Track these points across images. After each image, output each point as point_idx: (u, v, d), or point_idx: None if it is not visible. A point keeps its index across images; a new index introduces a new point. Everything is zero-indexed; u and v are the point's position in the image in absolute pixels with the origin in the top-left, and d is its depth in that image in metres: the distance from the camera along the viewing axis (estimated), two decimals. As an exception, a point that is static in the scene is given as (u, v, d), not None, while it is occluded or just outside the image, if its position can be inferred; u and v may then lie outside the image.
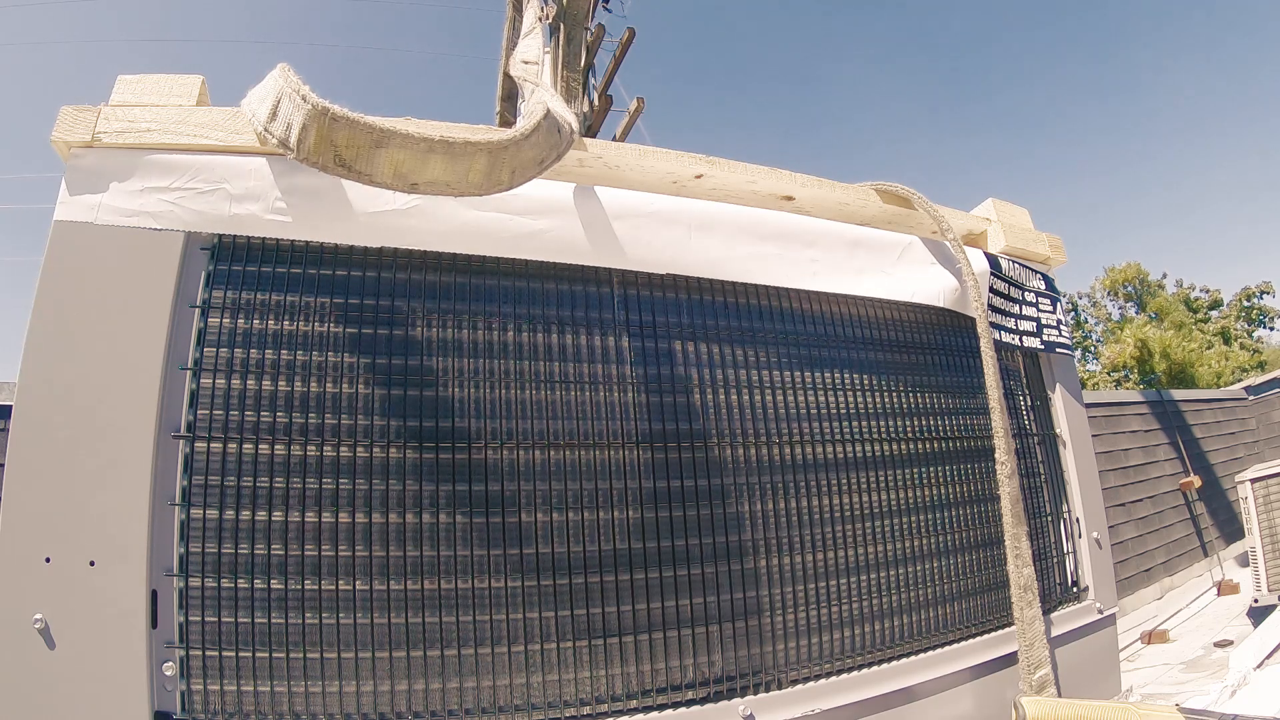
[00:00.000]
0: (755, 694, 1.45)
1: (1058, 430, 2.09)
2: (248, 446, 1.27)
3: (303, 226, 1.36)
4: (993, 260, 1.98)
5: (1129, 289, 21.48)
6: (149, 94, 1.38)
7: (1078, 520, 2.02)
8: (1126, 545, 5.94)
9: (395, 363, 1.38)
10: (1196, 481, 6.77)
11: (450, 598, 1.30)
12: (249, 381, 1.30)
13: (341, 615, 1.25)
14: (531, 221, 1.49)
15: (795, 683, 1.49)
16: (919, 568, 1.69)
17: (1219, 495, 7.20)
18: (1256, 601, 5.07)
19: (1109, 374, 18.56)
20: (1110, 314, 21.74)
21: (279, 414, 1.30)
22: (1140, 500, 6.31)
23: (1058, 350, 2.12)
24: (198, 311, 1.30)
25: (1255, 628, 4.05)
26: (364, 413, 1.34)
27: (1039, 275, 2.15)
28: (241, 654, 1.20)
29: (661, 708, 1.38)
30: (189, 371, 1.27)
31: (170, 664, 1.16)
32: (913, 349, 1.88)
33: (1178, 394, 7.61)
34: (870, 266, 1.81)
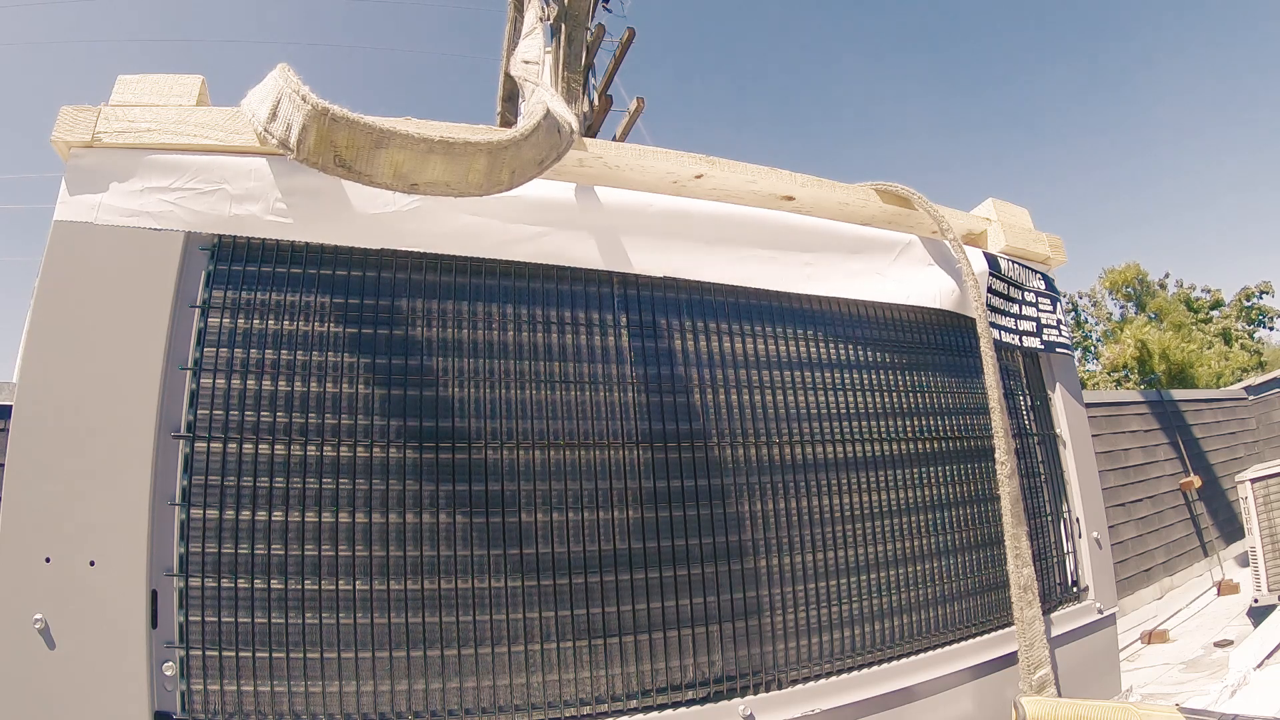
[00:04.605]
0: (755, 694, 1.45)
1: (1058, 430, 2.09)
2: (248, 446, 1.27)
3: (303, 227, 1.36)
4: (992, 260, 1.98)
5: (1128, 290, 21.46)
6: (149, 94, 1.38)
7: (1078, 520, 2.02)
8: (1126, 545, 5.94)
9: (395, 363, 1.38)
10: (1196, 481, 6.77)
11: (450, 598, 1.30)
12: (249, 381, 1.30)
13: (341, 615, 1.25)
14: (531, 223, 1.49)
15: (795, 683, 1.49)
16: (919, 568, 1.69)
17: (1219, 495, 7.19)
18: (1256, 601, 5.07)
19: (1109, 374, 18.56)
20: (1110, 314, 21.73)
21: (279, 414, 1.30)
22: (1140, 500, 6.31)
23: (1058, 350, 2.12)
24: (198, 311, 1.30)
25: (1255, 628, 4.05)
26: (364, 413, 1.34)
27: (1039, 275, 2.15)
28: (241, 654, 1.20)
29: (661, 708, 1.38)
30: (189, 371, 1.27)
31: (170, 664, 1.16)
32: (913, 349, 1.88)
33: (1178, 394, 7.61)
34: (867, 269, 1.81)
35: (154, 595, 1.17)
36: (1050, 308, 2.15)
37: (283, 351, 1.33)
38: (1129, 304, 21.58)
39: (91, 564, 1.14)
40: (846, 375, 1.75)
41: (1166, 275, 22.12)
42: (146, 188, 1.31)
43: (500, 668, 1.30)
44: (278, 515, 1.26)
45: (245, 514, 1.24)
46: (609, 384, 1.51)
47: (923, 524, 1.73)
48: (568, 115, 1.45)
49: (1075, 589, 1.98)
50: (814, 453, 1.64)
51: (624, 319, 1.56)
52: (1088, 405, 2.30)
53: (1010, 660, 1.69)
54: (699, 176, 1.72)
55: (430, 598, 1.29)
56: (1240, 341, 20.61)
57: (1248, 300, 21.52)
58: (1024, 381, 2.08)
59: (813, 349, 1.73)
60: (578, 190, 1.55)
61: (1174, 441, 6.94)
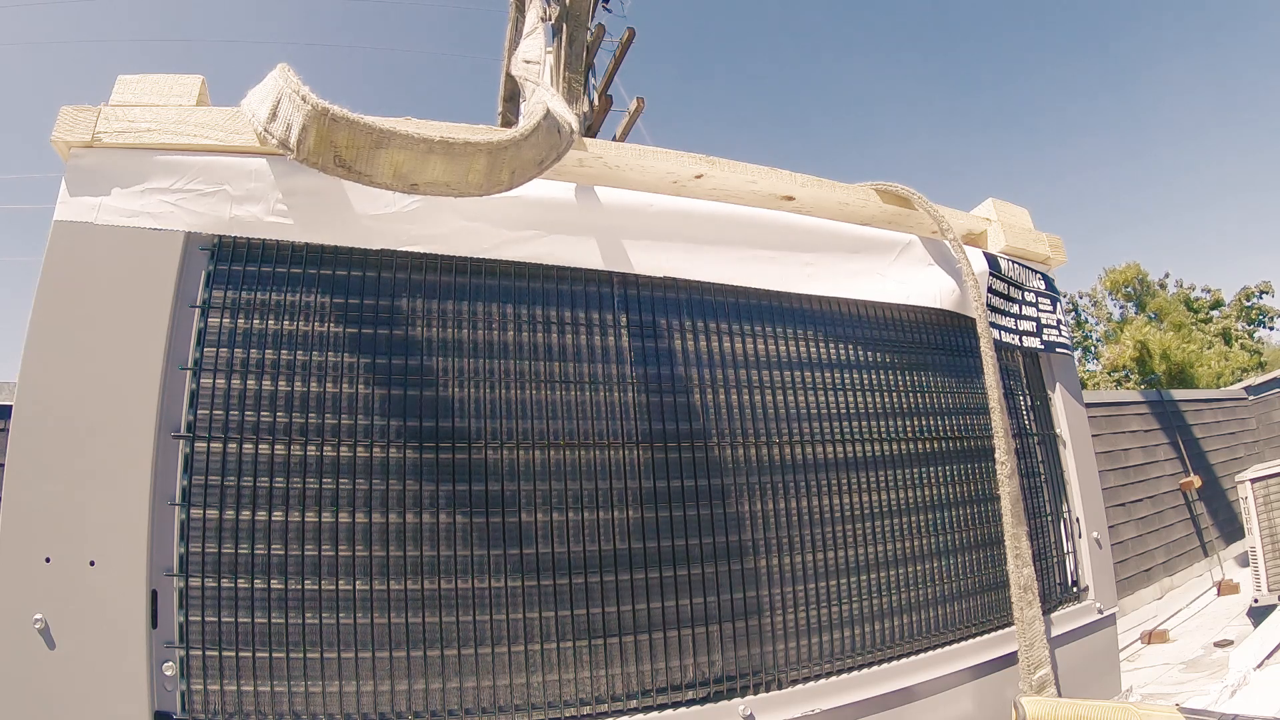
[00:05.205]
0: (755, 694, 1.45)
1: (1058, 430, 2.09)
2: (248, 446, 1.27)
3: (303, 228, 1.36)
4: (992, 260, 1.98)
5: (1128, 290, 21.47)
6: (149, 94, 1.38)
7: (1078, 520, 2.02)
8: (1126, 545, 5.94)
9: (395, 363, 1.38)
10: (1196, 481, 6.77)
11: (450, 598, 1.30)
12: (249, 381, 1.30)
13: (341, 615, 1.25)
14: (531, 224, 1.49)
15: (795, 683, 1.49)
16: (919, 568, 1.69)
17: (1219, 495, 7.19)
18: (1256, 601, 5.07)
19: (1109, 374, 18.56)
20: (1111, 314, 21.73)
21: (279, 414, 1.30)
22: (1140, 500, 6.31)
23: (1058, 350, 2.12)
24: (198, 311, 1.30)
25: (1255, 628, 4.05)
26: (364, 413, 1.34)
27: (1039, 275, 2.16)
28: (241, 654, 1.20)
29: (661, 708, 1.38)
30: (189, 371, 1.27)
31: (170, 664, 1.17)
32: (913, 349, 1.88)
33: (1178, 394, 7.61)
34: (867, 269, 1.81)
35: (154, 595, 1.17)
36: (1050, 308, 2.15)
37: (283, 351, 1.33)
38: (1129, 304, 21.58)
39: (91, 564, 1.14)
40: (846, 375, 1.75)
41: (1166, 275, 22.15)
42: (147, 188, 1.31)
43: (500, 668, 1.30)
44: (278, 515, 1.26)
45: (245, 514, 1.24)
46: (609, 384, 1.51)
47: (923, 524, 1.73)
48: (568, 115, 1.45)
49: (1075, 589, 1.98)
50: (814, 453, 1.64)
51: (624, 319, 1.56)
52: (1088, 405, 2.30)
53: (1010, 660, 1.69)
54: (699, 176, 1.72)
55: (430, 598, 1.29)
56: (1240, 341, 20.61)
57: (1248, 300, 21.53)
58: (1024, 381, 2.08)
59: (813, 349, 1.73)
60: (578, 190, 1.55)
61: (1174, 441, 6.94)
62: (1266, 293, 21.35)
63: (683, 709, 1.39)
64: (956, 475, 1.82)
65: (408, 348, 1.40)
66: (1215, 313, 21.69)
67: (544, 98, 1.47)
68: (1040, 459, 2.03)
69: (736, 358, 1.63)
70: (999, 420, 1.75)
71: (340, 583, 1.26)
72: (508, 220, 1.47)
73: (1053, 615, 1.84)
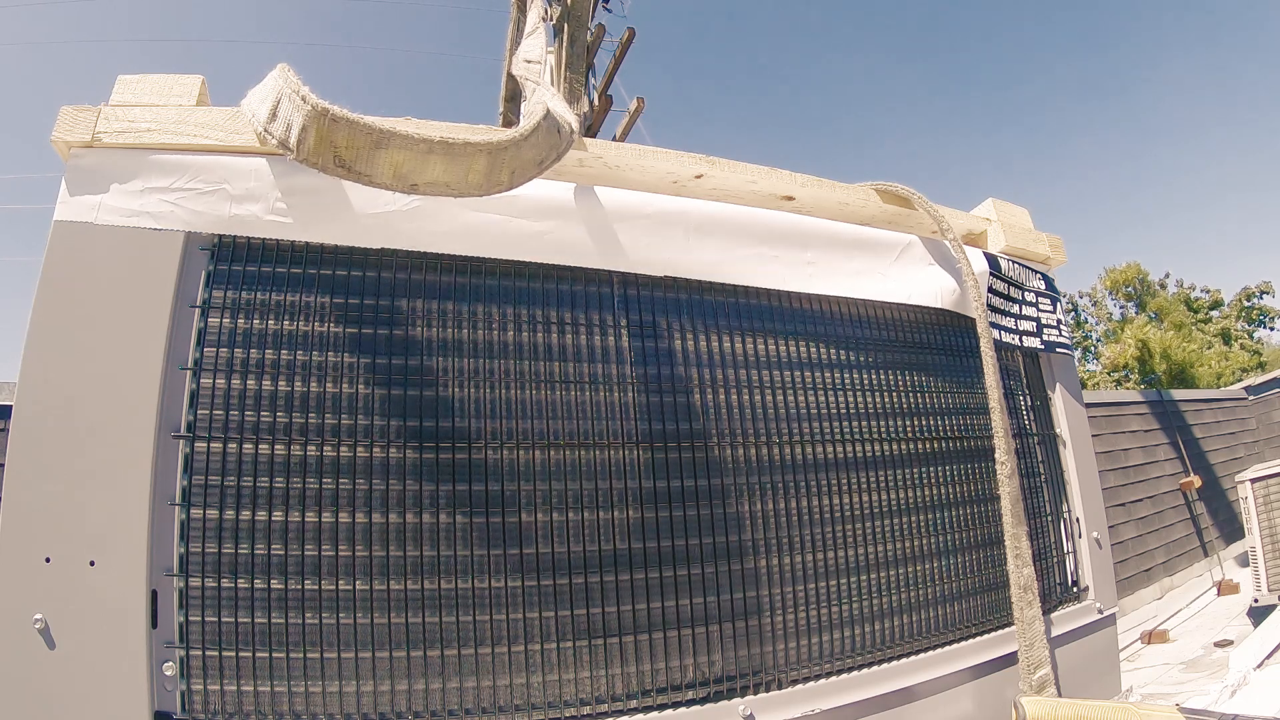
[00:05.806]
0: (755, 694, 1.45)
1: (1058, 430, 2.09)
2: (248, 446, 1.27)
3: (303, 227, 1.36)
4: (992, 260, 1.98)
5: (1129, 290, 21.47)
6: (149, 94, 1.38)
7: (1078, 520, 2.02)
8: (1126, 545, 5.94)
9: (395, 363, 1.38)
10: (1196, 481, 6.77)
11: (450, 598, 1.30)
12: (249, 381, 1.30)
13: (341, 615, 1.25)
14: (531, 222, 1.49)
15: (795, 683, 1.49)
16: (919, 568, 1.69)
17: (1219, 495, 7.19)
18: (1256, 601, 5.07)
19: (1109, 374, 18.56)
20: (1111, 314, 21.73)
21: (279, 414, 1.30)
22: (1140, 500, 6.31)
23: (1058, 350, 2.12)
24: (198, 311, 1.30)
25: (1255, 628, 4.05)
26: (364, 413, 1.34)
27: (1039, 275, 2.16)
28: (241, 654, 1.20)
29: (661, 708, 1.38)
30: (189, 371, 1.27)
31: (170, 664, 1.17)
32: (913, 349, 1.88)
33: (1178, 394, 7.61)
34: (868, 268, 1.81)
35: (154, 595, 1.17)
36: (1050, 308, 2.15)
37: (283, 351, 1.33)
38: (1129, 304, 21.58)
39: (91, 564, 1.14)
40: (847, 375, 1.75)
41: (1167, 275, 22.15)
42: (146, 188, 1.31)
43: (500, 668, 1.30)
44: (278, 515, 1.26)
45: (245, 514, 1.24)
46: (609, 384, 1.51)
47: (923, 524, 1.73)
48: (568, 115, 1.45)
49: (1075, 589, 1.98)
50: (814, 453, 1.64)
51: (624, 319, 1.56)
52: (1088, 405, 2.30)
53: (1010, 660, 1.69)
54: (699, 176, 1.72)
55: (430, 598, 1.29)
56: (1240, 341, 20.61)
57: (1248, 300, 21.54)
58: (1024, 381, 2.08)
59: (813, 349, 1.73)
60: (578, 190, 1.55)
61: (1174, 441, 6.94)
62: (1267, 293, 21.36)
63: (683, 709, 1.39)
64: (956, 475, 1.82)
65: (408, 348, 1.40)
66: (1215, 313, 21.69)
67: (544, 98, 1.47)
68: (1040, 459, 2.03)
69: (736, 358, 1.63)
70: (999, 420, 1.75)
71: (340, 583, 1.26)
72: (507, 220, 1.47)
73: (1053, 615, 1.84)
